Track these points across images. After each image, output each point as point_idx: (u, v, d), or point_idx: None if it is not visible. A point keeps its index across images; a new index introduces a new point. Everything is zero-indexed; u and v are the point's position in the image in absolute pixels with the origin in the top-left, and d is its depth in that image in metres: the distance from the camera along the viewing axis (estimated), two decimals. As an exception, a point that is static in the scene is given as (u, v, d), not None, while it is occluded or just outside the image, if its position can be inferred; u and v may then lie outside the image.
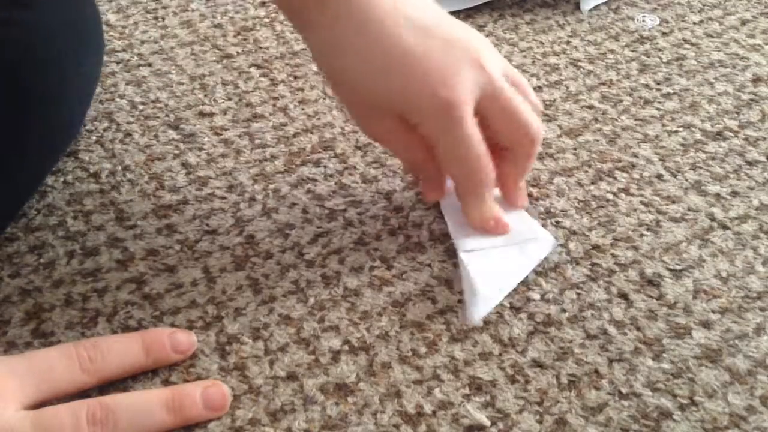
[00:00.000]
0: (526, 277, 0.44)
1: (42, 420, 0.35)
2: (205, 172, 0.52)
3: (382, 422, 0.38)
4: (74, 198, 0.50)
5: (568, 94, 0.58)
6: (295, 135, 0.55)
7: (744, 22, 0.66)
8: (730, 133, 0.54)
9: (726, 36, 0.64)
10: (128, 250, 0.47)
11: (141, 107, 0.58)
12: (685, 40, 0.64)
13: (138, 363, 0.39)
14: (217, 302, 0.43)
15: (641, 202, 0.49)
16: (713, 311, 0.42)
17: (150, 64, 0.62)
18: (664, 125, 0.55)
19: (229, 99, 0.58)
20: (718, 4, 0.68)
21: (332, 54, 0.42)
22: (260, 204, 0.49)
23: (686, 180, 0.51)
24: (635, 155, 0.53)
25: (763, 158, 0.52)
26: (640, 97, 0.58)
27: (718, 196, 0.49)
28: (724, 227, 0.47)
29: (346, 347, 0.41)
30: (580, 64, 0.61)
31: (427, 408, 0.38)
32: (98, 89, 0.59)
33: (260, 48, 0.64)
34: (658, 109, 0.57)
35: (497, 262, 0.44)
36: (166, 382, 0.39)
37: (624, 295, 0.43)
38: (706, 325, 0.42)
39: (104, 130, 0.56)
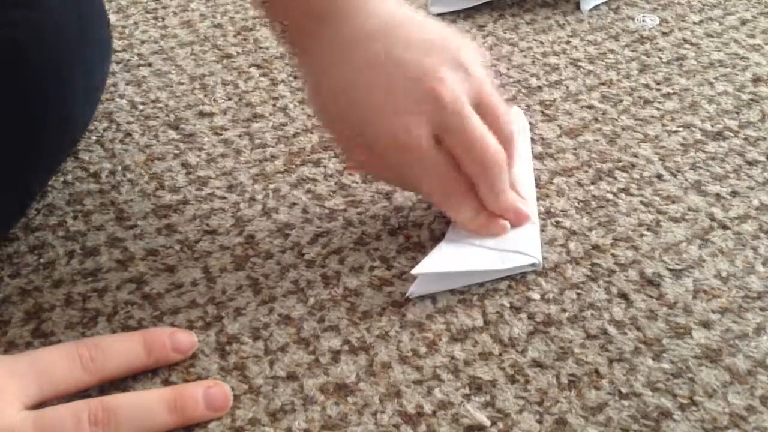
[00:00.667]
0: (526, 277, 0.44)
1: (43, 420, 0.35)
2: (205, 172, 0.52)
3: (382, 422, 0.38)
4: (74, 198, 0.50)
5: (568, 94, 0.58)
6: (295, 135, 0.55)
7: (744, 22, 0.66)
8: (730, 133, 0.54)
9: (726, 36, 0.64)
10: (128, 250, 0.47)
11: (141, 107, 0.58)
12: (685, 40, 0.64)
13: (139, 362, 0.39)
14: (217, 302, 0.43)
15: (641, 202, 0.49)
16: (713, 311, 0.42)
17: (150, 64, 0.62)
18: (664, 125, 0.55)
19: (229, 99, 0.58)
20: (718, 4, 0.68)
21: (313, 84, 0.44)
22: (260, 204, 0.49)
23: (686, 180, 0.51)
24: (635, 155, 0.53)
25: (763, 158, 0.52)
26: (640, 97, 0.58)
27: (718, 196, 0.49)
28: (724, 227, 0.47)
29: (346, 347, 0.41)
30: (580, 64, 0.61)
31: (427, 408, 0.38)
32: (98, 89, 0.59)
33: (260, 48, 0.64)
34: (658, 109, 0.57)
35: (463, 249, 0.44)
36: (167, 382, 0.39)
37: (624, 295, 0.43)
38: (706, 325, 0.42)
39: (104, 130, 0.56)
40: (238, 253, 0.46)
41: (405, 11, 0.43)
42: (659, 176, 0.51)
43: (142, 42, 0.65)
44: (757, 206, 0.49)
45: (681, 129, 0.55)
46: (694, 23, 0.66)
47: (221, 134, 0.55)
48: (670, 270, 0.45)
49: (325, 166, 0.52)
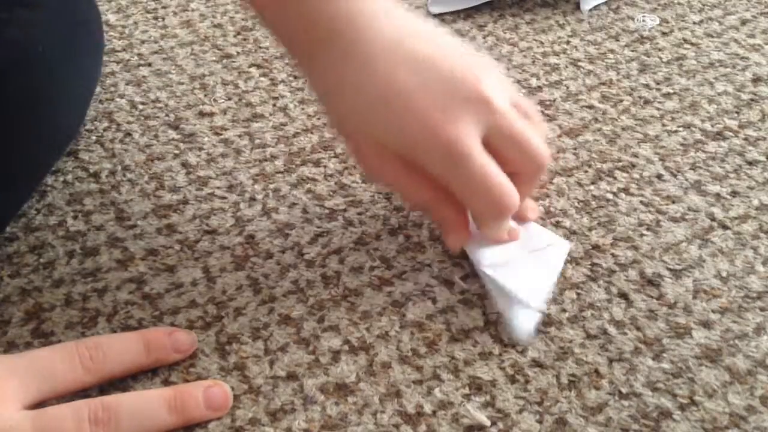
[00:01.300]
0: (526, 277, 0.44)
1: (43, 420, 0.35)
2: (205, 172, 0.52)
3: (382, 422, 0.38)
4: (74, 198, 0.50)
5: (568, 94, 0.58)
6: (295, 135, 0.55)
7: (744, 22, 0.66)
8: (730, 133, 0.54)
9: (726, 36, 0.64)
10: (128, 250, 0.47)
11: (141, 107, 0.58)
12: (685, 40, 0.64)
13: (139, 362, 0.39)
14: (217, 302, 0.43)
15: (641, 201, 0.49)
16: (713, 311, 0.42)
17: (150, 64, 0.62)
18: (664, 125, 0.55)
19: (229, 99, 0.58)
20: (718, 4, 0.68)
21: (335, 93, 0.41)
22: (260, 204, 0.49)
23: (686, 180, 0.51)
24: (635, 155, 0.53)
25: (763, 158, 0.52)
26: (640, 97, 0.58)
27: (718, 196, 0.49)
28: (724, 227, 0.47)
29: (346, 347, 0.41)
30: (580, 63, 0.61)
31: (427, 408, 0.38)
32: (98, 89, 0.59)
33: (260, 48, 0.64)
34: (658, 109, 0.57)
35: (526, 273, 0.43)
36: (166, 382, 0.39)
37: (624, 295, 0.43)
38: (706, 325, 0.42)
39: (104, 130, 0.56)
40: (238, 253, 0.46)
41: (410, 30, 0.42)
42: (659, 176, 0.51)
43: (142, 42, 0.65)
44: (757, 206, 0.49)
45: (681, 129, 0.55)
46: (694, 23, 0.66)
47: (221, 134, 0.55)
48: (670, 270, 0.45)
49: (325, 166, 0.52)
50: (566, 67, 0.61)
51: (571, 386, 0.39)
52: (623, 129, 0.55)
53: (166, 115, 0.57)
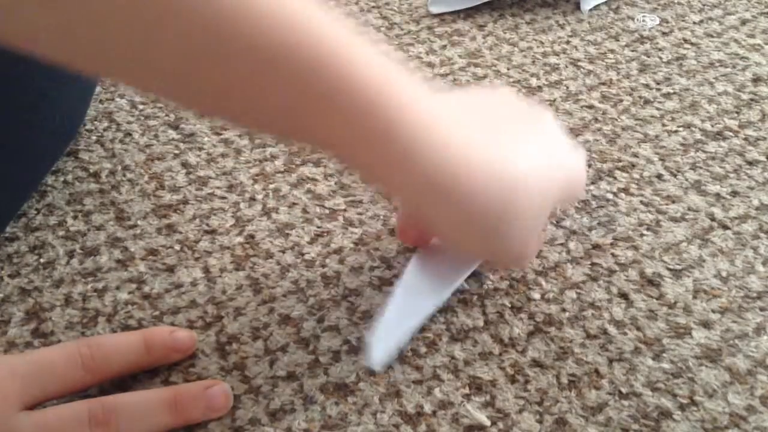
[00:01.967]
0: (527, 276, 0.44)
1: (43, 420, 0.35)
2: (205, 172, 0.52)
3: (382, 422, 0.38)
4: (74, 198, 0.50)
5: (568, 94, 0.58)
6: (295, 135, 0.55)
7: (744, 22, 0.66)
8: (730, 133, 0.54)
9: (726, 36, 0.64)
10: (128, 250, 0.47)
11: (141, 107, 0.58)
12: (685, 40, 0.64)
13: (139, 361, 0.39)
14: (217, 302, 0.43)
15: (641, 201, 0.49)
16: (713, 311, 0.42)
17: (150, 64, 0.62)
18: (664, 125, 0.55)
19: (229, 99, 0.58)
20: (718, 4, 0.68)
21: (420, 208, 0.38)
22: (260, 204, 0.49)
23: (686, 180, 0.51)
24: (635, 155, 0.53)
25: (763, 158, 0.52)
26: (640, 97, 0.58)
27: (718, 195, 0.49)
28: (724, 227, 0.47)
29: (346, 347, 0.41)
30: (580, 63, 0.61)
31: (427, 408, 0.38)
32: (98, 89, 0.59)
33: (260, 48, 0.64)
34: (658, 108, 0.57)
35: (412, 305, 0.41)
36: (166, 382, 0.39)
37: (624, 295, 0.43)
38: (706, 324, 0.42)
39: (104, 130, 0.56)
40: (238, 253, 0.46)
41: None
42: (659, 176, 0.51)
43: (142, 42, 0.65)
44: (757, 206, 0.49)
45: (681, 129, 0.55)
46: (694, 23, 0.66)
47: (221, 134, 0.55)
48: (670, 270, 0.45)
49: (325, 166, 0.52)
50: (566, 67, 0.61)
51: (571, 386, 0.39)
52: (623, 129, 0.55)
53: (166, 115, 0.57)
